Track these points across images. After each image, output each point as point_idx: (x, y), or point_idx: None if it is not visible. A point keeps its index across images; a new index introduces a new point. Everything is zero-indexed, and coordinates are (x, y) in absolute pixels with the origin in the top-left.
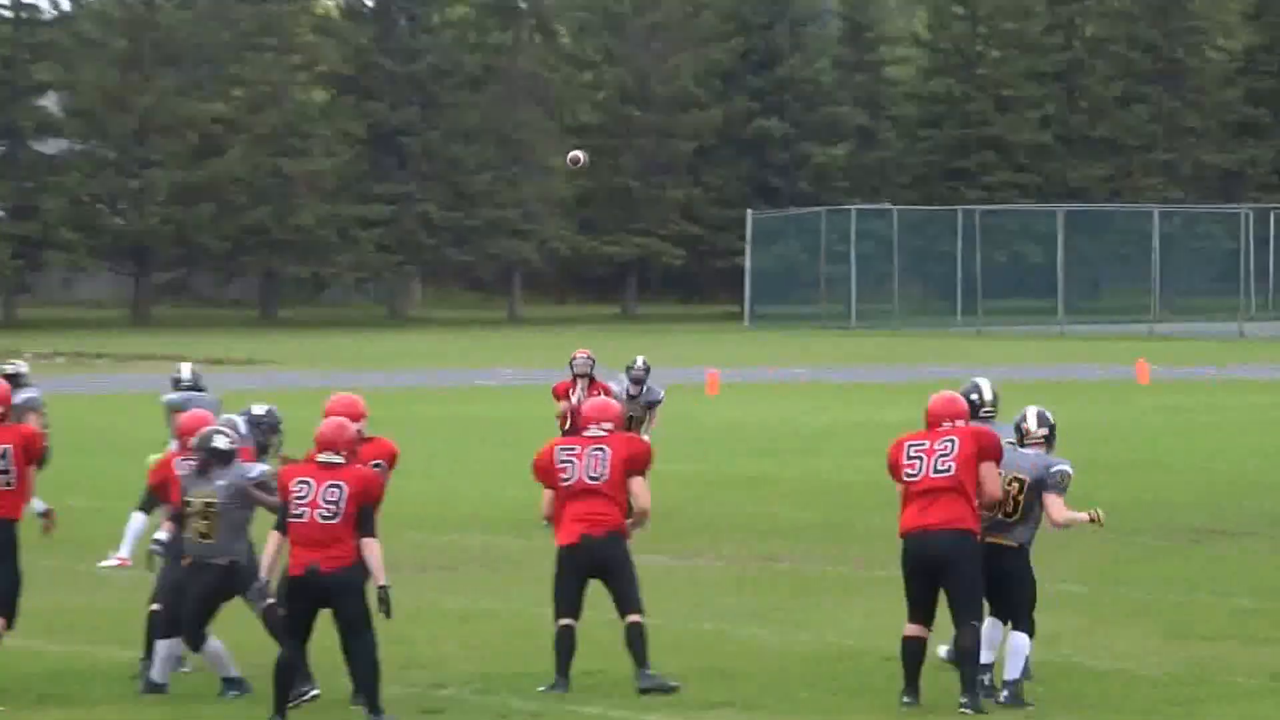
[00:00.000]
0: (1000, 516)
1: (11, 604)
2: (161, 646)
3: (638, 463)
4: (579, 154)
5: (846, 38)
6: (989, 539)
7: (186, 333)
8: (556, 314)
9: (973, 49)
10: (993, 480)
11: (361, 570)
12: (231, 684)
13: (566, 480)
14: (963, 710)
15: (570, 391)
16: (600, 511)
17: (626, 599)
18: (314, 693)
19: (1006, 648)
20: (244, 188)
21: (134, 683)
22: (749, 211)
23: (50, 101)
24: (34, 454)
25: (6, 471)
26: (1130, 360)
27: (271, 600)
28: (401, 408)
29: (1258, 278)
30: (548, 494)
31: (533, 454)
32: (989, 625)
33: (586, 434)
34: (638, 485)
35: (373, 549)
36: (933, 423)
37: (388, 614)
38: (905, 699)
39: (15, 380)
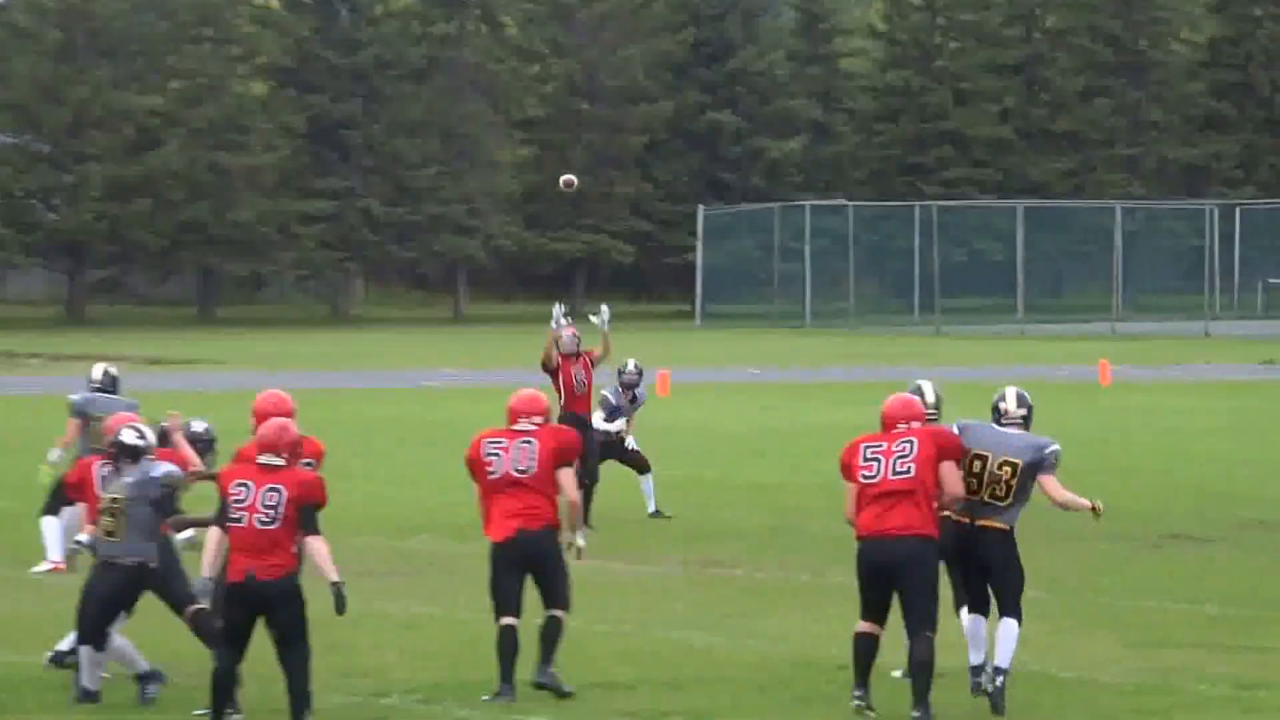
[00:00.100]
0: (989, 500)
1: None
2: (84, 652)
3: (567, 454)
4: (572, 178)
5: (800, 29)
6: (980, 522)
7: (122, 332)
8: (503, 312)
9: (930, 41)
10: (954, 480)
11: (299, 579)
12: (147, 679)
13: (493, 473)
14: None
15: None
16: (533, 505)
17: (555, 594)
18: (238, 717)
19: (997, 634)
20: (181, 183)
21: (67, 692)
22: (700, 207)
23: None
24: None
25: None
26: (1092, 360)
27: (200, 606)
28: (344, 409)
29: (1223, 275)
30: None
31: None
32: (971, 621)
33: (516, 427)
34: (565, 477)
35: (318, 547)
36: (888, 424)
37: (341, 610)
38: (856, 694)
39: None
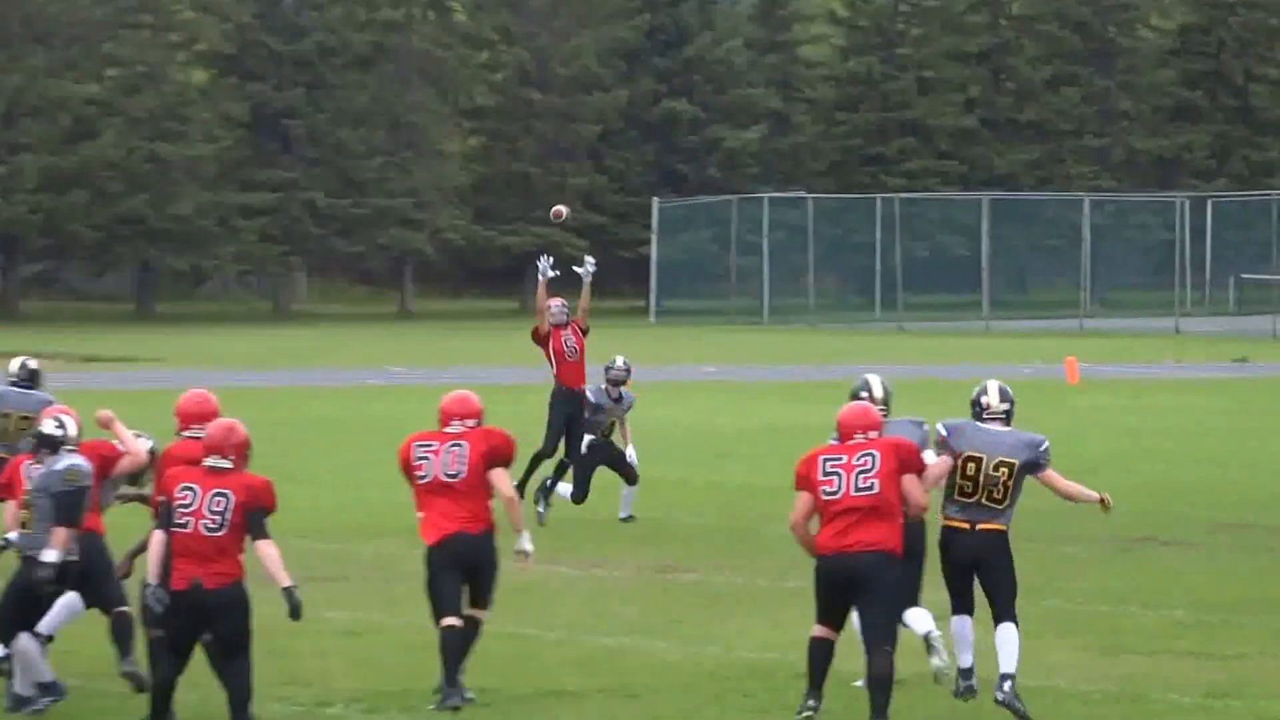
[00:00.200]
0: (987, 502)
1: None
2: (15, 655)
3: (499, 454)
4: (562, 209)
5: (759, 15)
6: (980, 526)
7: (57, 328)
8: (451, 308)
9: (893, 27)
10: (916, 492)
11: (246, 586)
12: (45, 690)
13: (423, 477)
14: None
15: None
16: (469, 509)
17: (484, 597)
18: None
19: (998, 640)
20: (119, 174)
21: None
22: (655, 199)
23: None
24: None
25: None
26: (1059, 358)
27: (124, 609)
28: (286, 408)
29: (1194, 270)
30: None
31: None
32: (959, 622)
33: (447, 430)
34: (498, 477)
35: (269, 552)
36: (845, 434)
37: (296, 616)
38: (809, 703)
39: None
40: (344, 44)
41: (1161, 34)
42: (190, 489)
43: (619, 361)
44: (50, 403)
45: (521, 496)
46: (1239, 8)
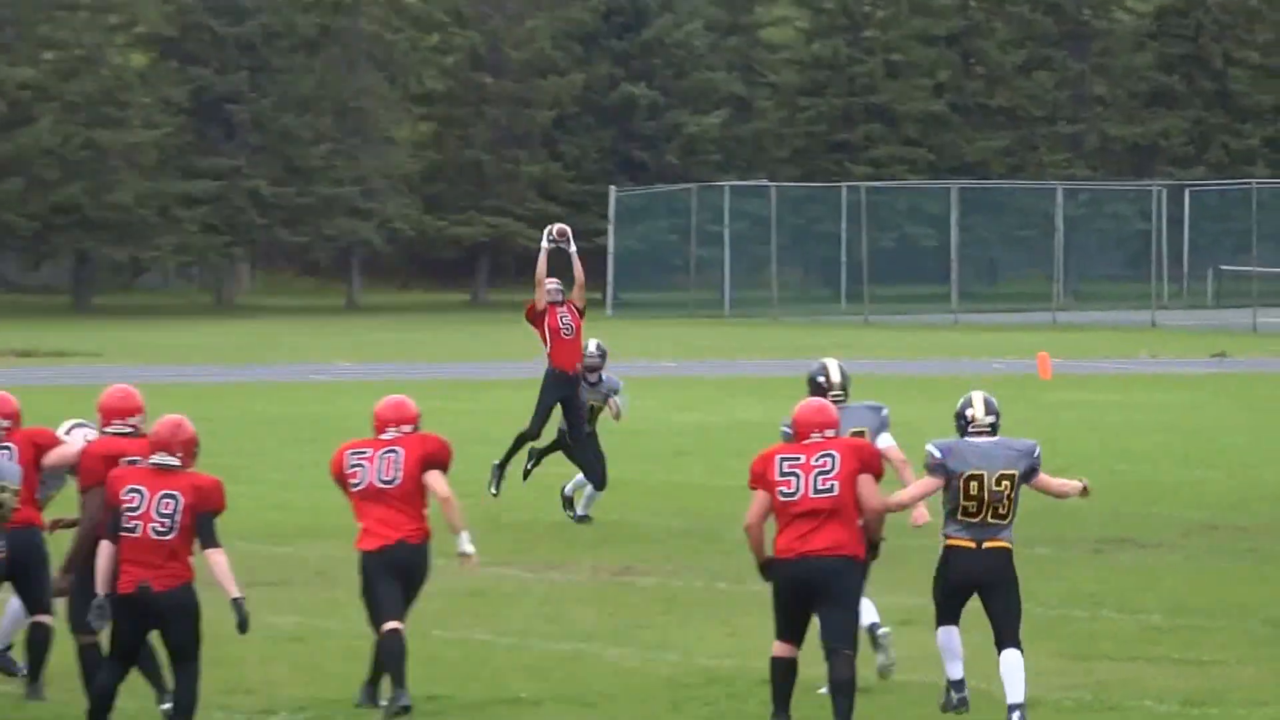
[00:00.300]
0: (992, 520)
1: None
2: None
3: (435, 459)
4: (565, 228)
5: None
6: (986, 544)
7: None
8: (400, 301)
9: (859, 9)
10: (871, 493)
11: (195, 591)
12: None
13: (357, 484)
14: None
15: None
16: (408, 516)
17: (406, 609)
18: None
19: (1004, 668)
20: (55, 161)
21: None
22: (612, 188)
23: None
24: None
25: None
26: (1031, 353)
27: (43, 620)
28: (228, 405)
29: (1171, 262)
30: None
31: None
32: (946, 634)
33: (382, 436)
34: (435, 478)
35: (219, 560)
36: (802, 433)
37: (243, 629)
38: None
39: None
40: (289, 26)
41: (1137, 16)
42: (137, 491)
43: (592, 346)
44: None
45: (502, 474)
46: None
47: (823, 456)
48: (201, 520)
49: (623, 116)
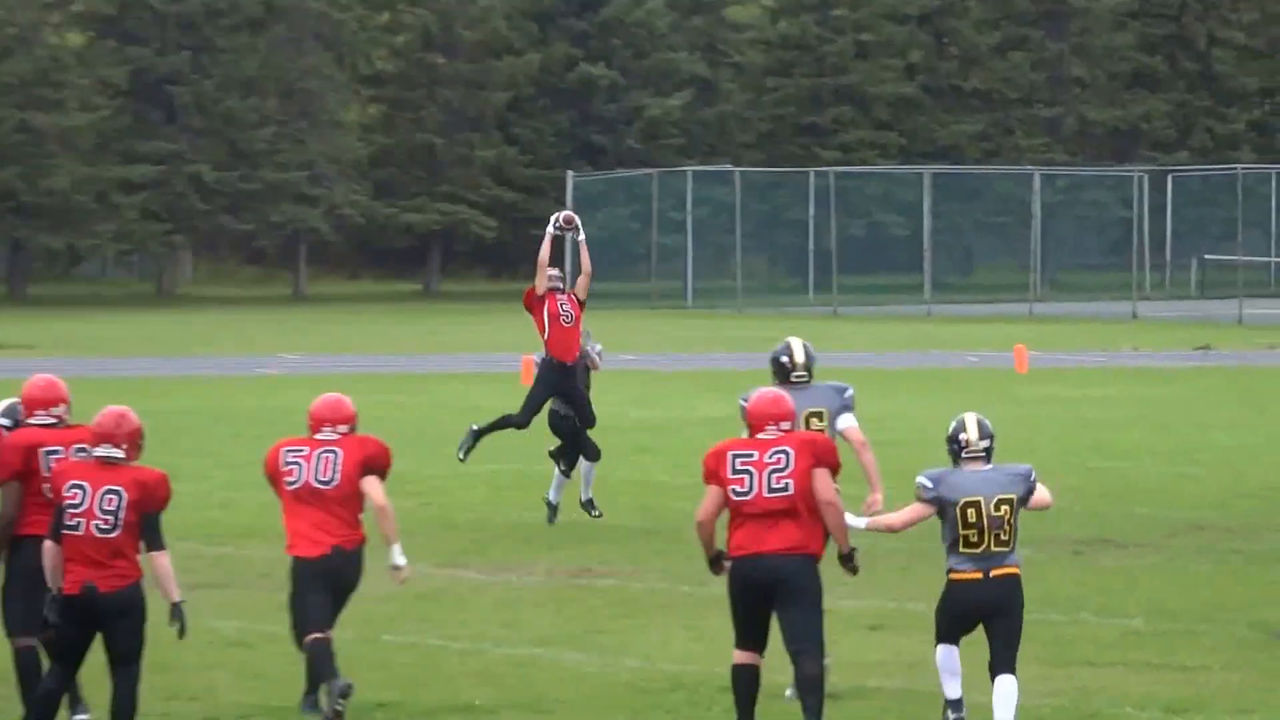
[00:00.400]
0: (996, 548)
1: None
2: None
3: (374, 463)
4: (571, 215)
5: None
6: (994, 573)
7: None
8: (348, 291)
9: None
10: (826, 486)
11: (143, 589)
12: None
13: (293, 483)
14: None
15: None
16: (343, 520)
17: (335, 617)
18: (86, 718)
19: (998, 694)
20: None
21: None
22: (569, 173)
23: None
24: None
25: None
26: (1007, 345)
27: None
28: (170, 399)
29: (1153, 250)
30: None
31: None
32: (946, 652)
33: (318, 436)
34: (372, 485)
35: (162, 563)
36: (756, 426)
37: (182, 634)
38: None
39: None
40: (232, 4)
41: None
42: (79, 487)
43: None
44: None
45: (475, 443)
46: None
47: (777, 453)
48: (147, 519)
49: (581, 98)
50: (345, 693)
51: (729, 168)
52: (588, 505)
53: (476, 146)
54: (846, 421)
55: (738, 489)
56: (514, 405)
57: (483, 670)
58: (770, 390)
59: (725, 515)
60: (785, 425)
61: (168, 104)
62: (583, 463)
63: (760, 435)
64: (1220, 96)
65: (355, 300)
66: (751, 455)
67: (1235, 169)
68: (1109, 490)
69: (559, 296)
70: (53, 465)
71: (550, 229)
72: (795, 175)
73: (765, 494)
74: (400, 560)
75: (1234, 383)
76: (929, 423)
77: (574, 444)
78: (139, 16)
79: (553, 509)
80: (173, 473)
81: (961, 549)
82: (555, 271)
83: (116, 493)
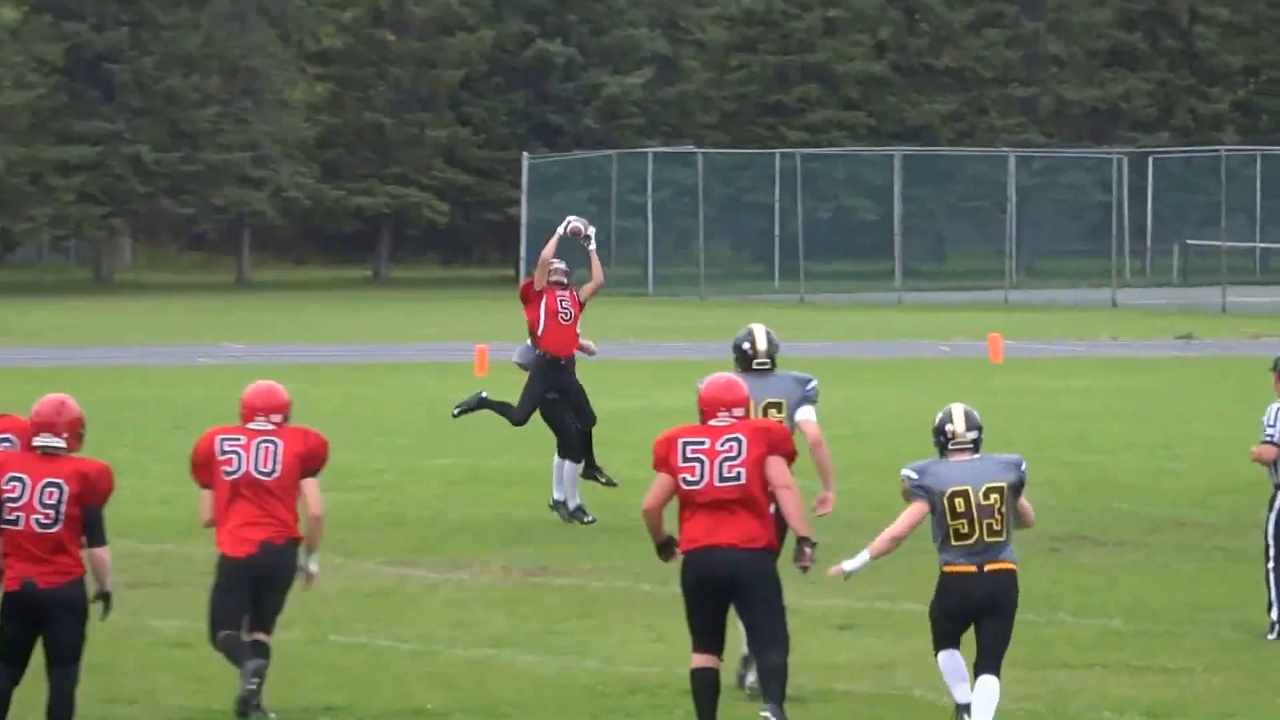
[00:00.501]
0: (989, 539)
1: None
2: None
3: (314, 460)
4: (579, 228)
5: None
6: (988, 567)
7: None
8: (294, 278)
9: None
10: (781, 472)
11: (85, 587)
12: None
13: (232, 473)
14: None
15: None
16: (277, 516)
17: (272, 619)
18: None
19: (978, 694)
20: None
21: None
22: (524, 155)
23: None
24: None
25: None
26: (981, 334)
27: None
28: (108, 389)
29: (1133, 236)
30: (207, 495)
31: None
32: (948, 656)
33: (252, 425)
34: (310, 487)
35: (103, 558)
36: (708, 413)
37: (104, 615)
38: None
39: None
40: None
41: None
42: (18, 479)
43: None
44: None
45: (474, 408)
46: None
47: (728, 441)
48: (90, 512)
49: (537, 77)
50: (258, 671)
51: (691, 149)
52: (558, 506)
53: (428, 127)
54: (805, 414)
55: (688, 478)
56: (466, 394)
57: (434, 673)
58: (723, 375)
59: (674, 506)
60: (738, 412)
61: (106, 82)
62: (559, 463)
63: (712, 422)
64: (1203, 75)
65: (301, 287)
66: (703, 443)
67: (1219, 151)
68: (1087, 485)
69: (559, 293)
70: None
71: (561, 230)
72: (760, 157)
73: (717, 483)
74: (313, 568)
75: (1217, 373)
76: (899, 415)
77: (567, 434)
78: None
79: (580, 510)
80: (111, 467)
81: (953, 542)
82: (560, 264)
83: (57, 485)
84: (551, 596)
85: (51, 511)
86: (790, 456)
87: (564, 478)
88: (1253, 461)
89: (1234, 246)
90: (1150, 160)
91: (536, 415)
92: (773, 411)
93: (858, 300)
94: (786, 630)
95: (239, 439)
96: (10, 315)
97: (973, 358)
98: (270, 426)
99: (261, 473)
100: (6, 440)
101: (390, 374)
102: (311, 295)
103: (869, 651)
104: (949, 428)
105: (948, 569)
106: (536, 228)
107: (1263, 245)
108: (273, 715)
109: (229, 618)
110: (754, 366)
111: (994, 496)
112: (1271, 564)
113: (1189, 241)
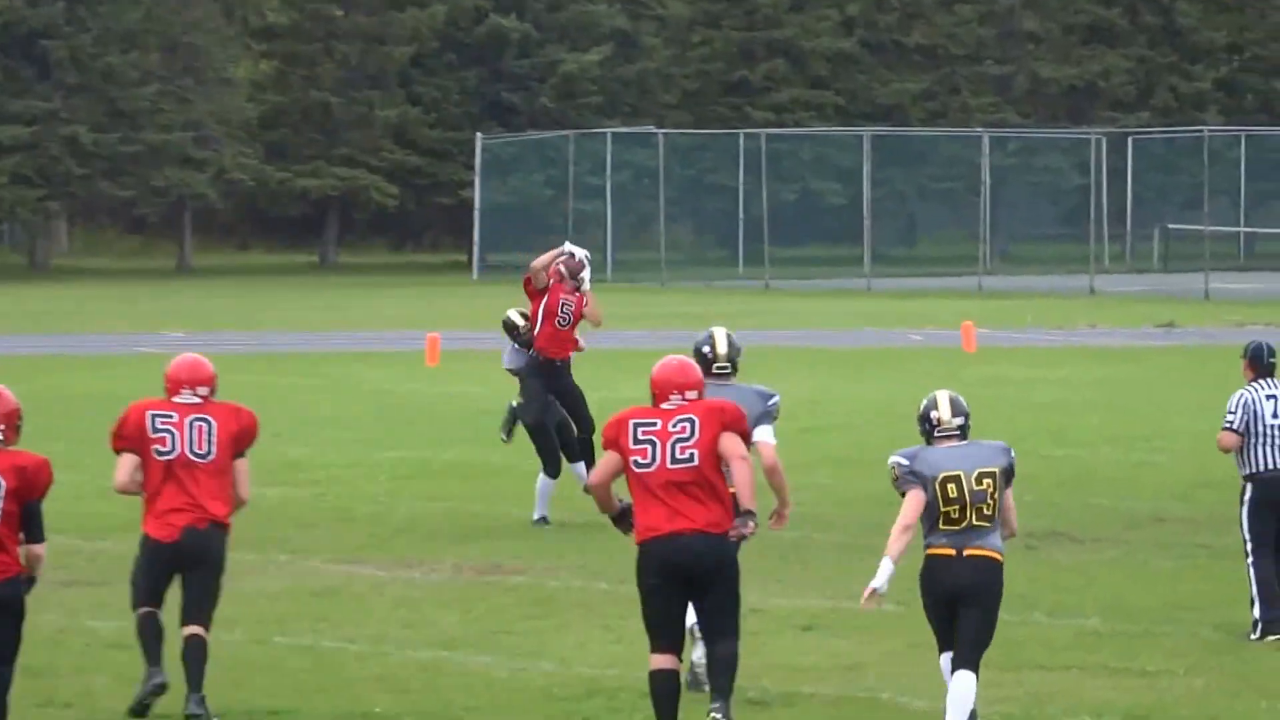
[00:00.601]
0: (977, 523)
1: None
2: None
3: (245, 440)
4: (575, 252)
5: None
6: (967, 552)
7: None
8: (237, 263)
9: None
10: (734, 447)
11: (22, 585)
12: None
13: (166, 453)
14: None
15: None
16: (206, 498)
17: (201, 607)
18: None
19: (954, 689)
20: None
21: None
22: (478, 135)
23: None
24: None
25: None
26: (954, 323)
27: None
28: (43, 379)
29: (1112, 219)
30: (127, 459)
31: None
32: (948, 660)
33: (179, 400)
34: (242, 469)
35: (40, 558)
36: (660, 395)
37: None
38: None
39: None
40: None
41: None
42: None
43: (524, 323)
44: None
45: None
46: None
47: (680, 422)
48: (28, 508)
49: (490, 54)
50: (157, 691)
51: (651, 129)
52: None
53: (377, 106)
54: (763, 435)
55: (639, 460)
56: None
57: (384, 675)
58: (676, 358)
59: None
60: (691, 394)
61: (41, 59)
62: (544, 481)
63: (664, 405)
64: (1184, 52)
65: (245, 273)
66: (654, 424)
67: (1201, 131)
68: (1064, 480)
69: (566, 296)
70: None
71: (562, 249)
72: (723, 137)
73: (669, 465)
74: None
75: (1199, 363)
76: (867, 407)
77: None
78: None
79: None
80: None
81: (942, 526)
82: (581, 253)
83: None
84: (505, 595)
85: None
86: (746, 436)
87: (544, 493)
88: (1220, 450)
89: (1217, 231)
90: (1130, 141)
91: (520, 430)
92: None
93: (825, 287)
94: (739, 618)
95: (171, 415)
96: None
97: (945, 346)
98: (198, 400)
99: (197, 455)
100: None
101: (338, 363)
102: (255, 281)
103: (836, 653)
104: (934, 414)
105: (929, 550)
106: (490, 212)
107: (1246, 229)
108: (216, 719)
109: (149, 596)
110: (714, 370)
111: (986, 481)
112: (1250, 559)
113: (1170, 225)
